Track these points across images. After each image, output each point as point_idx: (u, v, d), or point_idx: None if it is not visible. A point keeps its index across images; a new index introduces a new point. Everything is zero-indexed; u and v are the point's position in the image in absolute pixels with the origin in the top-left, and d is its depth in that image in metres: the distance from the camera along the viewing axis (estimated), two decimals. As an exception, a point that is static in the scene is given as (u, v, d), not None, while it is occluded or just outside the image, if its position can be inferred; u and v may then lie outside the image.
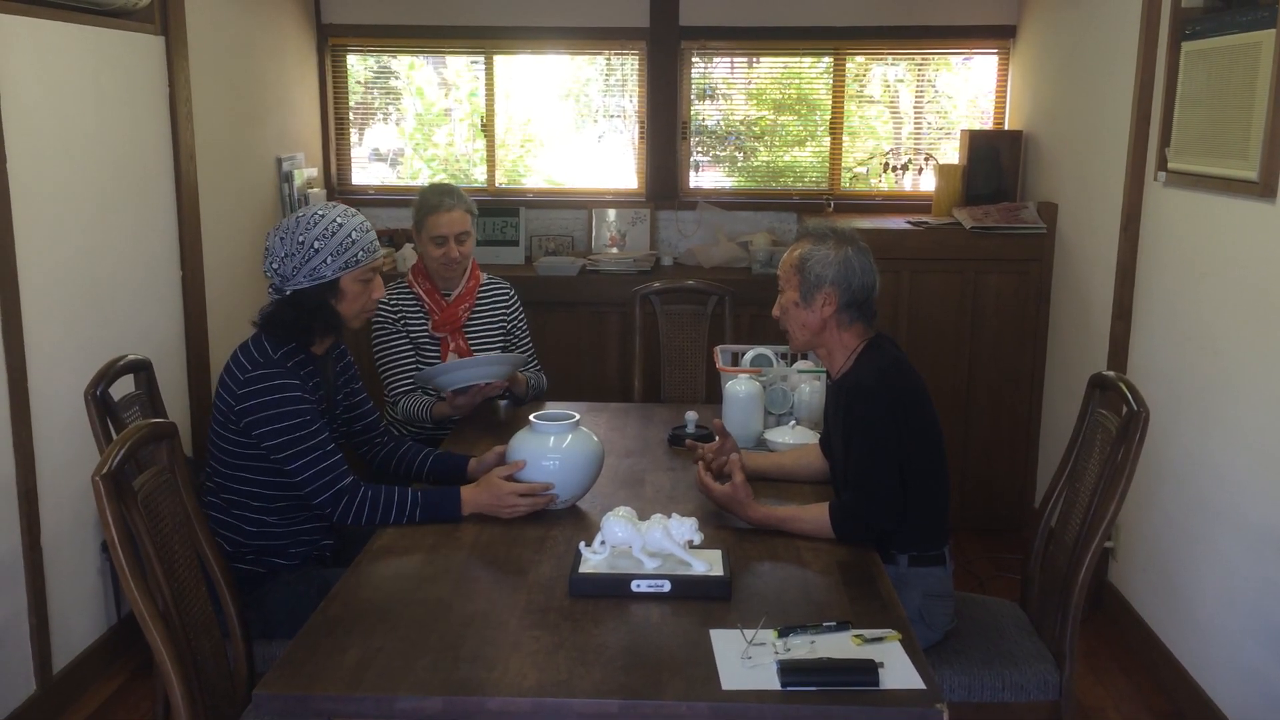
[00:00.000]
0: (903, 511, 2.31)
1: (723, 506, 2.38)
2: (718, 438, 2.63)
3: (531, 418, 2.46)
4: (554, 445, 2.40)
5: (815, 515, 2.30)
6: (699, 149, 5.15)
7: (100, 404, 2.52)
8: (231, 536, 2.49)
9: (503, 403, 3.31)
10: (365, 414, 2.77)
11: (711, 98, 5.12)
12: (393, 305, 3.34)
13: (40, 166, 2.95)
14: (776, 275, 2.50)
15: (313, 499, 2.41)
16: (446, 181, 4.66)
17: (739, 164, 5.20)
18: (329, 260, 2.41)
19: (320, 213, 2.44)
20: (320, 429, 2.41)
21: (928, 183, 4.98)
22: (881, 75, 5.09)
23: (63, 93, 3.06)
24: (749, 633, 1.82)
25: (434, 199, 3.29)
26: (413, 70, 5.22)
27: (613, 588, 2.01)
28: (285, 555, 2.53)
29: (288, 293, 2.43)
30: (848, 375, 2.42)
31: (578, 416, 2.46)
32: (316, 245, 2.40)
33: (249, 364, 2.41)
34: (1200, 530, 3.10)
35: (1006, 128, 4.86)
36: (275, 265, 2.43)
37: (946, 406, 4.31)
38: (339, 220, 2.43)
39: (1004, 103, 4.92)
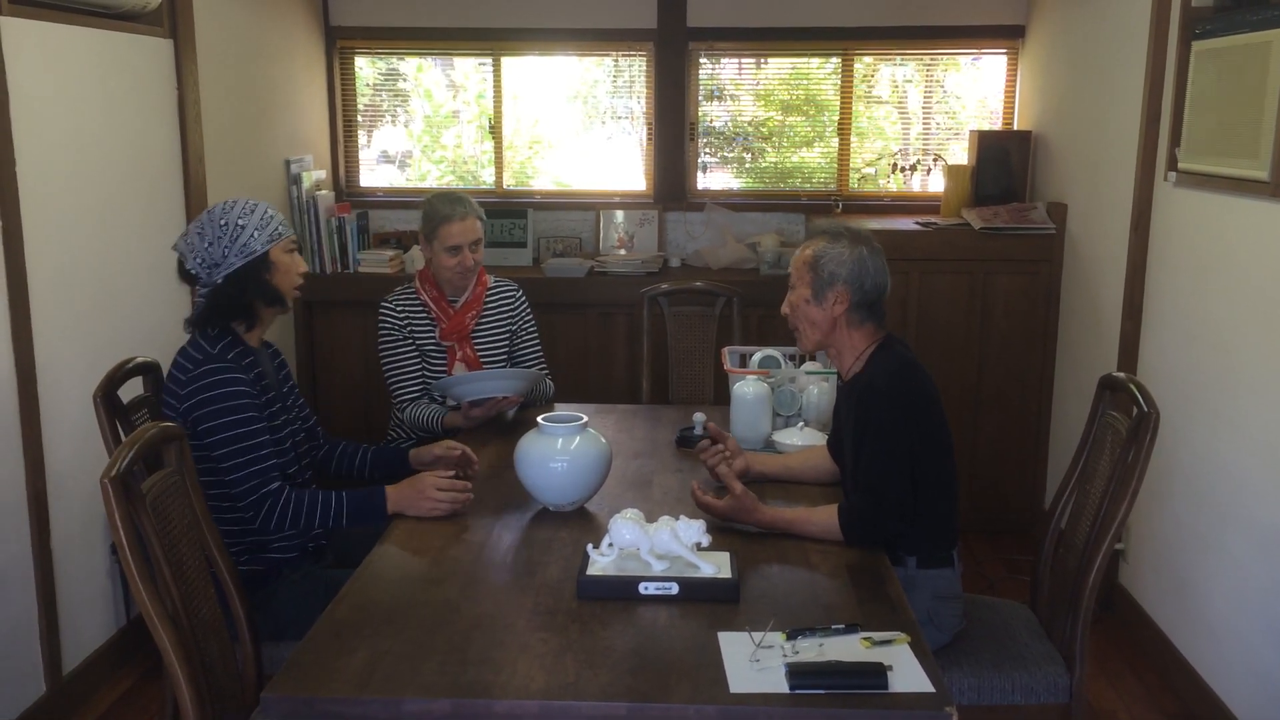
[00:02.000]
0: (913, 514, 2.30)
1: (729, 519, 2.34)
2: (716, 440, 2.63)
3: (539, 419, 2.46)
4: (562, 447, 2.40)
5: (824, 518, 2.29)
6: (707, 150, 5.14)
7: (109, 406, 2.53)
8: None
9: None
10: (305, 417, 2.79)
11: (719, 99, 5.11)
12: (399, 312, 3.33)
13: (49, 169, 2.96)
14: (787, 273, 2.49)
15: (240, 501, 2.43)
16: (454, 188, 4.65)
17: (747, 165, 5.19)
18: (256, 234, 2.49)
19: (230, 201, 2.53)
20: (259, 430, 2.43)
21: (936, 183, 4.96)
22: (890, 76, 5.08)
23: (72, 95, 3.07)
24: (757, 635, 1.82)
25: (445, 208, 3.26)
26: (421, 72, 5.23)
27: (620, 590, 2.01)
28: (278, 550, 2.54)
29: (219, 280, 2.48)
30: (859, 376, 2.40)
31: (585, 418, 2.46)
32: (241, 222, 2.48)
33: (190, 364, 2.44)
34: (1211, 531, 3.09)
35: (1015, 128, 4.85)
36: (200, 257, 2.48)
37: (955, 408, 4.30)
38: (251, 203, 2.54)
39: (1013, 103, 4.90)
